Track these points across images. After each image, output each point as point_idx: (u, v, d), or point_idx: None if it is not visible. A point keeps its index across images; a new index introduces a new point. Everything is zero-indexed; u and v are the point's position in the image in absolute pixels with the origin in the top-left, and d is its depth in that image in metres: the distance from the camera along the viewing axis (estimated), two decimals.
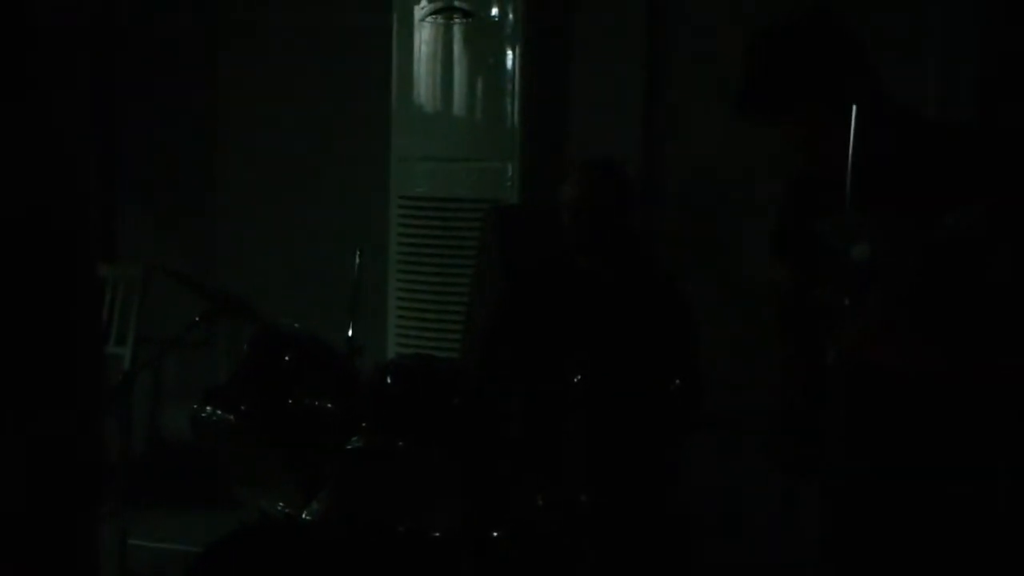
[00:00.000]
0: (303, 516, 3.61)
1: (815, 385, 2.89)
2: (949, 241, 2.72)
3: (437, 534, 3.48)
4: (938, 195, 2.75)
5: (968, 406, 2.80)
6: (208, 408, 3.94)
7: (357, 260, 4.29)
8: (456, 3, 5.09)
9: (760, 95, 2.96)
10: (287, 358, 4.01)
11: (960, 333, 2.76)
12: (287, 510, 3.88)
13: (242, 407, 3.90)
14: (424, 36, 5.14)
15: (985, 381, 2.78)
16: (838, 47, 2.92)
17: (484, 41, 5.08)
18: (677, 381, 3.93)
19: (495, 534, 3.55)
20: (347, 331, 4.17)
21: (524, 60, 5.04)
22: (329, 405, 3.96)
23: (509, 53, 5.05)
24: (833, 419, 2.82)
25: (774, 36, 2.96)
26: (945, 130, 3.04)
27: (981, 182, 2.77)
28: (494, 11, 5.05)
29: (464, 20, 5.09)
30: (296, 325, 4.25)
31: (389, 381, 3.84)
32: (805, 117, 2.91)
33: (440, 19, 5.12)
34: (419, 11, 5.13)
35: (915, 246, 2.76)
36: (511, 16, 5.03)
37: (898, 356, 2.83)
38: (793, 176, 3.15)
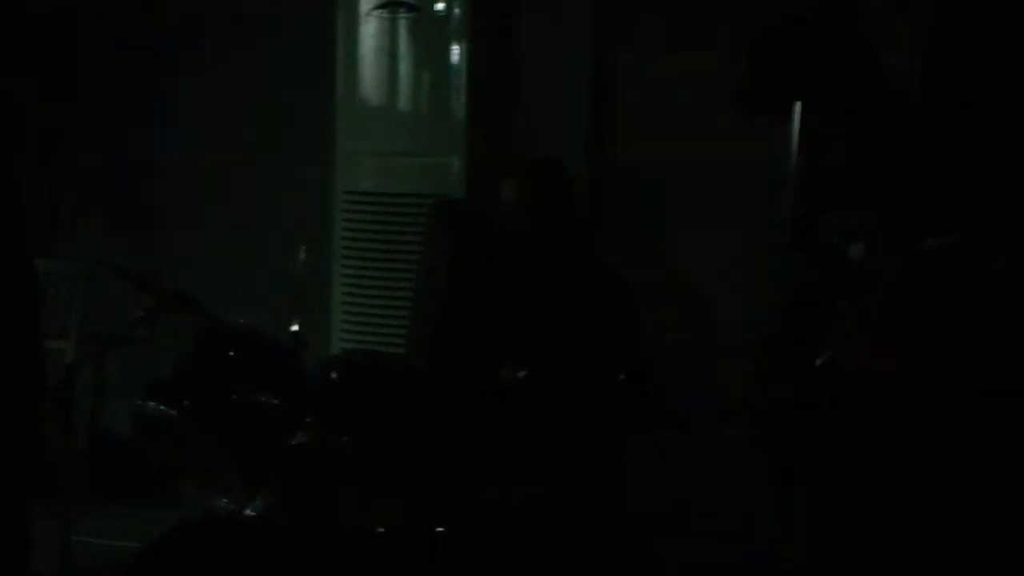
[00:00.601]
0: (247, 512, 3.60)
1: (806, 386, 2.88)
2: (940, 251, 2.69)
3: (382, 530, 3.47)
4: (935, 201, 2.72)
5: (951, 415, 2.76)
6: (151, 403, 3.91)
7: (302, 255, 4.26)
8: None
9: (767, 89, 2.88)
10: (231, 353, 3.98)
11: (947, 343, 2.73)
12: (231, 506, 3.86)
13: (185, 402, 3.87)
14: (369, 30, 5.12)
15: (966, 390, 2.75)
16: (849, 44, 2.86)
17: (430, 36, 5.07)
18: (622, 375, 3.94)
19: (441, 530, 3.55)
20: (292, 326, 4.15)
21: (470, 55, 5.03)
22: (274, 401, 3.94)
23: (455, 48, 5.04)
24: (821, 423, 2.81)
25: (785, 28, 2.89)
26: (944, 137, 2.95)
27: (978, 198, 2.73)
28: (440, 6, 5.04)
29: (410, 14, 5.07)
30: (241, 320, 4.22)
31: (334, 376, 3.82)
32: (810, 115, 2.83)
33: (386, 13, 5.10)
34: (364, 5, 5.11)
35: (908, 252, 2.73)
36: (457, 11, 5.02)
37: (884, 362, 2.78)
38: (804, 170, 3.04)
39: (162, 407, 3.89)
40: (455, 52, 5.05)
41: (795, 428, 2.92)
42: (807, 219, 3.02)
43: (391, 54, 5.12)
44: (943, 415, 2.75)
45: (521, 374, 3.81)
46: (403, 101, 5.14)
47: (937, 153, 2.81)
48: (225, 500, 3.91)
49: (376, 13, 5.10)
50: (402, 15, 5.07)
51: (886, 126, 2.79)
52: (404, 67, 5.12)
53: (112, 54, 5.84)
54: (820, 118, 2.83)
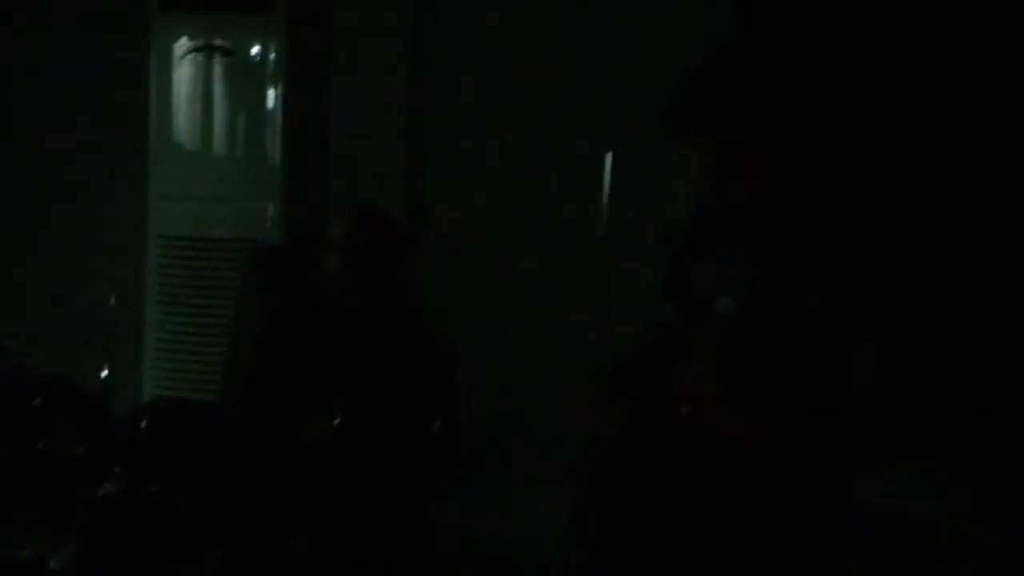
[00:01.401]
0: (51, 565, 3.51)
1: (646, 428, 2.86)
2: (802, 320, 2.66)
3: None
4: (815, 270, 2.69)
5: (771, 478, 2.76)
6: None
7: (112, 301, 4.19)
8: (217, 41, 5.03)
9: (687, 113, 2.78)
10: (36, 402, 3.89)
11: (787, 409, 2.70)
12: (35, 557, 3.76)
13: None
14: (183, 73, 5.06)
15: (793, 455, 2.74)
16: (771, 82, 2.78)
17: (245, 80, 5.04)
18: (436, 424, 3.94)
19: None
20: (101, 373, 4.06)
21: (285, 99, 5.01)
22: (80, 450, 3.85)
23: (270, 92, 5.01)
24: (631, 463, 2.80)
25: (712, 56, 2.83)
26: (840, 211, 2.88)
27: (858, 278, 2.69)
28: (255, 50, 5.01)
29: (225, 58, 5.03)
30: (47, 368, 4.13)
31: (144, 425, 3.76)
32: (720, 146, 2.75)
33: (200, 56, 5.05)
34: (178, 48, 5.05)
35: (773, 315, 2.69)
36: (272, 55, 5.00)
37: (719, 414, 2.74)
38: (694, 213, 3.01)
39: None
40: (270, 96, 5.02)
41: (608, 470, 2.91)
42: (679, 268, 3.00)
43: (205, 98, 5.07)
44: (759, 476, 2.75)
45: (335, 422, 3.79)
46: (217, 145, 5.09)
47: (831, 224, 2.77)
48: (28, 551, 3.80)
49: (190, 56, 5.05)
50: (217, 58, 5.03)
51: (785, 179, 2.76)
52: (218, 111, 5.07)
53: None
54: (724, 160, 2.76)
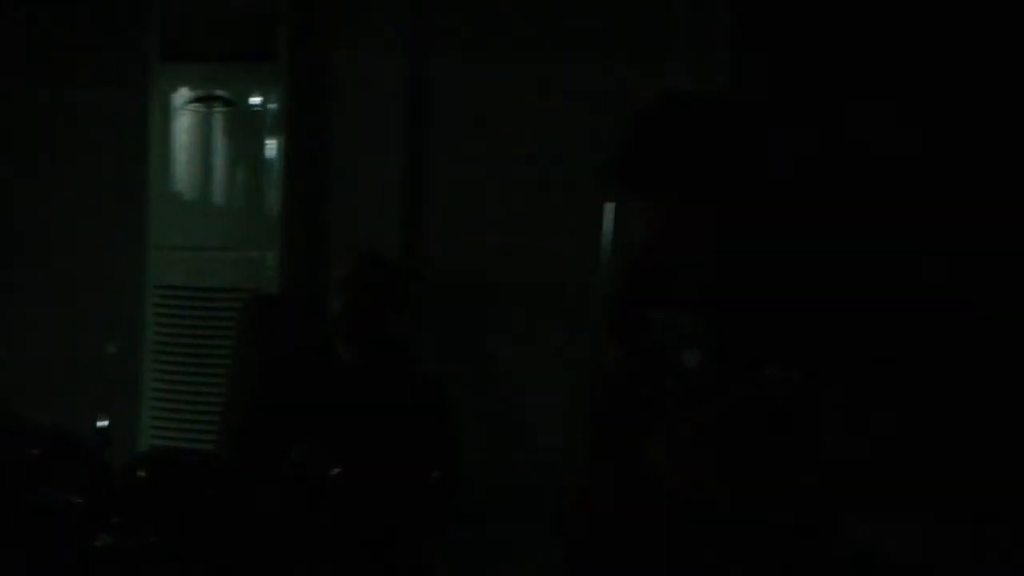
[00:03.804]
0: None
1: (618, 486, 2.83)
2: (779, 384, 2.64)
3: None
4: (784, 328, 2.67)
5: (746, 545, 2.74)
6: None
7: (111, 350, 4.18)
8: (217, 91, 5.05)
9: (635, 167, 2.76)
10: (31, 452, 3.87)
11: (759, 482, 2.68)
12: None
13: None
14: (184, 123, 5.08)
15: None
16: (718, 140, 2.75)
17: (245, 130, 5.05)
18: (435, 473, 3.93)
19: None
20: (99, 422, 4.05)
21: (285, 149, 5.02)
22: (78, 500, 3.83)
23: (270, 142, 5.03)
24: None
25: (659, 111, 2.78)
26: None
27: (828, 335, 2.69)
28: (255, 100, 5.03)
29: (225, 108, 5.05)
30: (43, 418, 4.11)
31: (141, 474, 3.74)
32: (665, 200, 2.73)
33: (201, 107, 5.07)
34: (178, 97, 5.07)
35: (748, 376, 2.66)
36: (272, 104, 5.02)
37: (687, 479, 2.72)
38: (635, 256, 2.95)
39: None
40: (270, 146, 5.04)
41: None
42: (633, 312, 2.94)
43: (205, 147, 5.08)
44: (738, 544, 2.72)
45: (334, 472, 3.77)
46: (217, 194, 5.10)
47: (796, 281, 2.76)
48: None
49: (191, 106, 5.07)
50: (217, 108, 5.05)
51: (746, 235, 2.73)
52: (218, 160, 5.09)
53: None
54: (675, 210, 2.74)
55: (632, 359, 2.86)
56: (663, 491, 2.72)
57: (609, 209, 3.50)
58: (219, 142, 5.09)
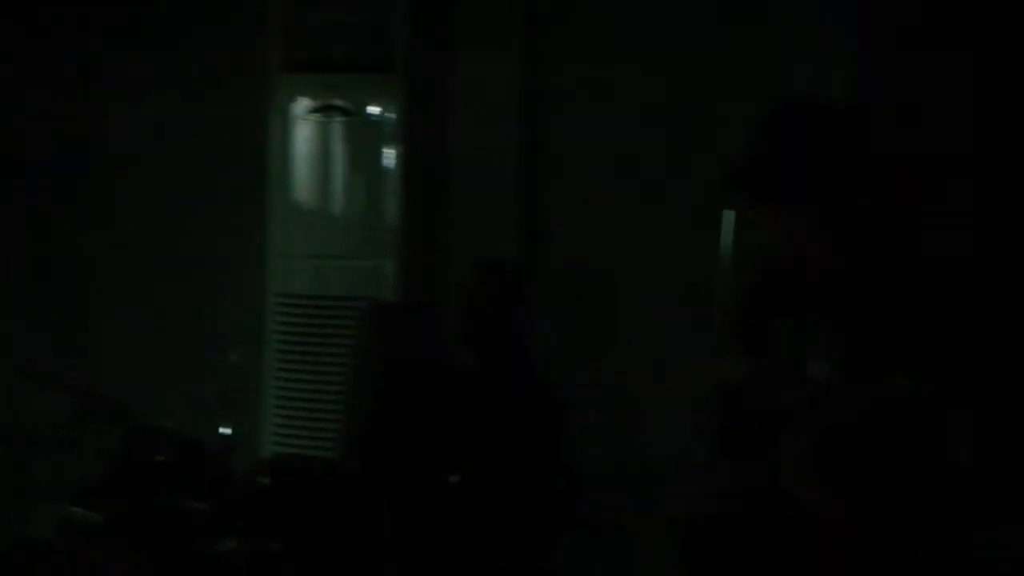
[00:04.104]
0: None
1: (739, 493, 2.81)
2: (908, 396, 2.62)
3: None
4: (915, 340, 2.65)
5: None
6: (77, 509, 3.86)
7: (234, 358, 4.24)
8: (336, 101, 5.09)
9: (764, 174, 2.77)
10: (158, 458, 3.94)
11: (889, 488, 2.66)
12: None
13: (112, 508, 3.82)
14: (303, 133, 5.14)
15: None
16: (844, 146, 2.76)
17: (363, 139, 5.10)
18: (554, 478, 3.92)
19: None
20: (222, 429, 4.11)
21: (403, 158, 5.05)
22: (202, 506, 3.89)
23: (388, 151, 5.06)
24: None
25: (785, 118, 2.80)
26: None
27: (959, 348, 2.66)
28: (373, 109, 5.07)
29: (344, 118, 5.09)
30: (169, 424, 4.18)
31: (263, 481, 3.78)
32: (798, 209, 2.74)
33: (320, 117, 5.12)
34: (298, 108, 5.13)
35: (878, 389, 2.64)
36: (390, 115, 5.05)
37: (812, 490, 2.70)
38: (758, 266, 2.96)
39: (88, 513, 3.83)
40: (388, 155, 5.07)
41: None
42: (758, 323, 2.92)
43: (324, 157, 5.13)
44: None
45: (454, 479, 3.78)
46: (336, 204, 5.15)
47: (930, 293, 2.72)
48: None
49: (311, 117, 5.12)
50: (336, 119, 5.10)
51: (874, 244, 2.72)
52: (337, 169, 5.13)
53: (41, 149, 5.80)
54: (799, 218, 2.74)
55: (757, 371, 2.83)
56: (788, 501, 2.69)
57: (727, 216, 3.46)
58: (338, 152, 5.13)
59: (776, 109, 2.81)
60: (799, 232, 2.73)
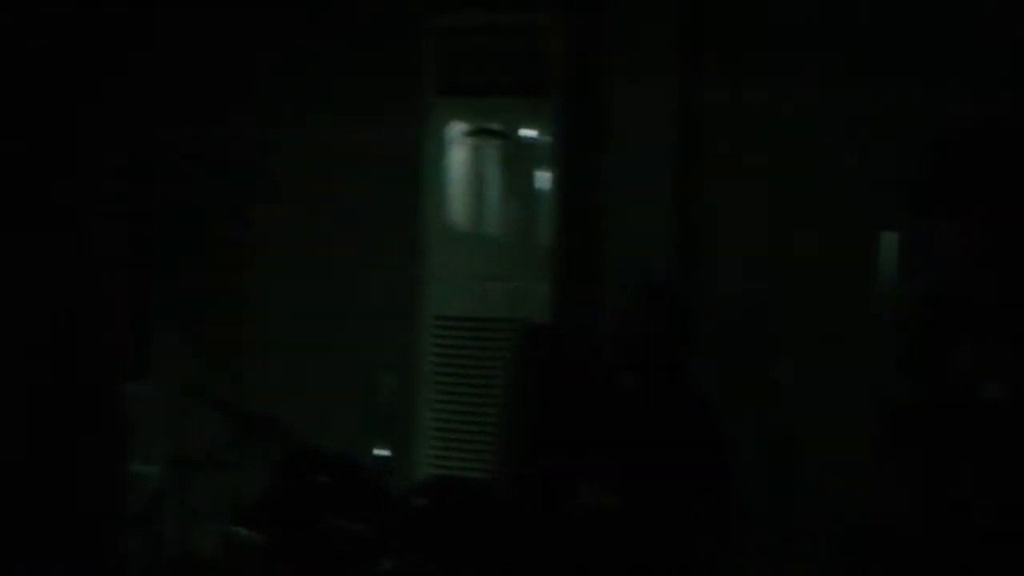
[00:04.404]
0: None
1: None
2: None
3: None
4: None
5: None
6: (240, 529, 3.91)
7: (388, 380, 4.27)
8: (490, 125, 5.12)
9: (946, 188, 2.76)
10: (318, 479, 3.98)
11: None
12: None
13: (274, 528, 3.87)
14: (458, 156, 5.17)
15: None
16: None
17: (517, 162, 5.12)
18: (711, 501, 3.88)
19: None
20: (380, 451, 4.14)
21: (558, 181, 5.06)
22: (360, 526, 3.92)
23: (542, 174, 5.07)
24: None
25: (970, 135, 2.79)
26: None
27: None
28: (528, 132, 5.08)
29: (499, 141, 5.12)
30: (327, 445, 4.22)
31: (420, 502, 3.80)
32: (986, 220, 2.71)
33: (475, 140, 5.15)
34: (452, 131, 5.16)
35: None
36: (544, 138, 5.06)
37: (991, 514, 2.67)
38: (935, 288, 2.94)
39: (251, 533, 3.89)
40: (542, 177, 5.08)
41: None
42: (935, 346, 2.89)
43: (479, 180, 5.16)
44: None
45: (609, 501, 3.76)
46: (491, 226, 5.17)
47: None
48: None
49: (465, 140, 5.16)
50: (491, 142, 5.12)
51: None
52: (492, 193, 5.16)
53: (203, 174, 5.91)
54: (983, 235, 2.72)
55: (934, 395, 2.78)
56: (970, 523, 2.64)
57: (888, 238, 3.39)
58: (492, 174, 5.16)
59: (961, 127, 2.76)
60: (983, 250, 2.67)
